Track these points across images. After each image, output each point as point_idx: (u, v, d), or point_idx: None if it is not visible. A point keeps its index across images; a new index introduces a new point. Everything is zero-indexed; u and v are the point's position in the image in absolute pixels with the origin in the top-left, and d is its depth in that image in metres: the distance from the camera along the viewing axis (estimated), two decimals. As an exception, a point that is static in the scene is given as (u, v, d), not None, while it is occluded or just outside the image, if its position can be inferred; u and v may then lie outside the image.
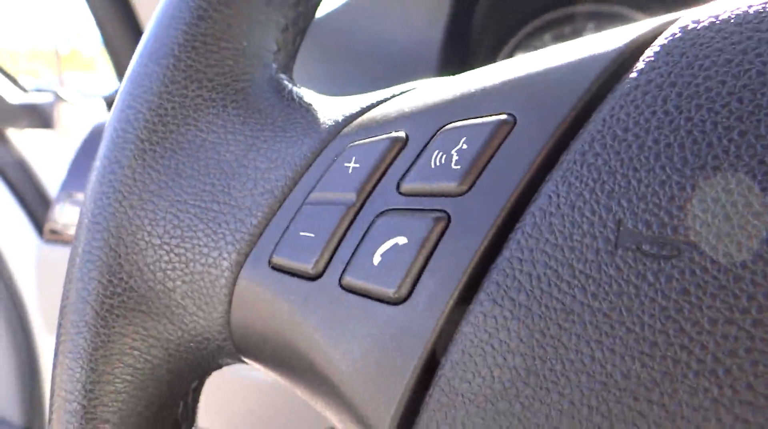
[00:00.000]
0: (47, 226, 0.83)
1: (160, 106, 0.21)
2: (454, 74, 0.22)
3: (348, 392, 0.17)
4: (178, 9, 0.22)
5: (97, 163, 0.22)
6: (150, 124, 0.21)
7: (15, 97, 1.02)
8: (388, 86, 0.24)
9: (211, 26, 0.22)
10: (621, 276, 0.13)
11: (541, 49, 0.19)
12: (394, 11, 0.64)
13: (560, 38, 0.66)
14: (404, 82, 0.24)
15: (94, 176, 0.22)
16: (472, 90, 0.18)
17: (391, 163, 0.19)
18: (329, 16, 0.68)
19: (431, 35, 0.62)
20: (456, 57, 0.63)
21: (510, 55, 0.68)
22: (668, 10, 0.21)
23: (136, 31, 0.91)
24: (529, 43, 0.67)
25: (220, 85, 0.22)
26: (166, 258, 0.21)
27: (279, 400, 0.58)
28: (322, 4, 0.25)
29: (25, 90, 1.08)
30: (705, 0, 0.17)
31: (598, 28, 0.64)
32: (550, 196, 0.15)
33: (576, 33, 0.65)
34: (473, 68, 0.21)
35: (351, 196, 0.19)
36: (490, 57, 0.68)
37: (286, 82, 0.23)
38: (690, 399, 0.12)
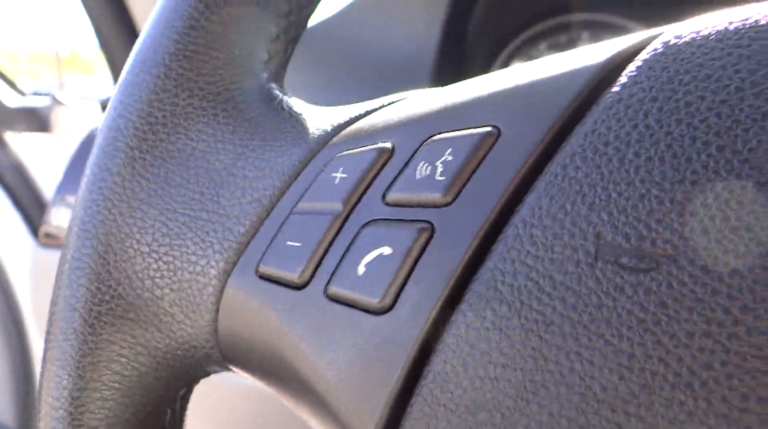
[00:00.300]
0: (42, 230, 0.83)
1: (150, 114, 0.22)
2: (448, 84, 0.22)
3: (333, 401, 0.17)
4: (171, 18, 0.22)
5: (87, 170, 0.22)
6: (140, 132, 0.22)
7: (13, 101, 1.02)
8: (383, 94, 0.24)
9: (202, 35, 0.22)
10: (600, 288, 0.13)
11: (532, 61, 0.19)
12: (389, 19, 0.65)
13: (556, 47, 0.66)
14: (399, 90, 0.25)
15: (84, 183, 0.22)
16: (459, 102, 0.19)
17: (377, 174, 0.19)
18: (324, 24, 0.68)
19: (426, 44, 0.62)
20: (451, 66, 0.64)
21: (505, 64, 0.68)
22: (663, 20, 0.21)
23: (133, 34, 0.91)
24: (524, 52, 0.67)
25: (211, 94, 0.22)
26: (154, 266, 0.21)
27: (266, 408, 0.58)
28: (315, 12, 0.26)
29: (22, 93, 1.08)
30: (699, 10, 0.17)
31: (593, 37, 0.65)
32: (532, 208, 0.15)
33: (571, 42, 0.65)
34: (468, 78, 0.21)
35: (337, 206, 0.19)
36: (486, 66, 0.68)
37: (276, 92, 0.24)
38: (666, 411, 0.12)
